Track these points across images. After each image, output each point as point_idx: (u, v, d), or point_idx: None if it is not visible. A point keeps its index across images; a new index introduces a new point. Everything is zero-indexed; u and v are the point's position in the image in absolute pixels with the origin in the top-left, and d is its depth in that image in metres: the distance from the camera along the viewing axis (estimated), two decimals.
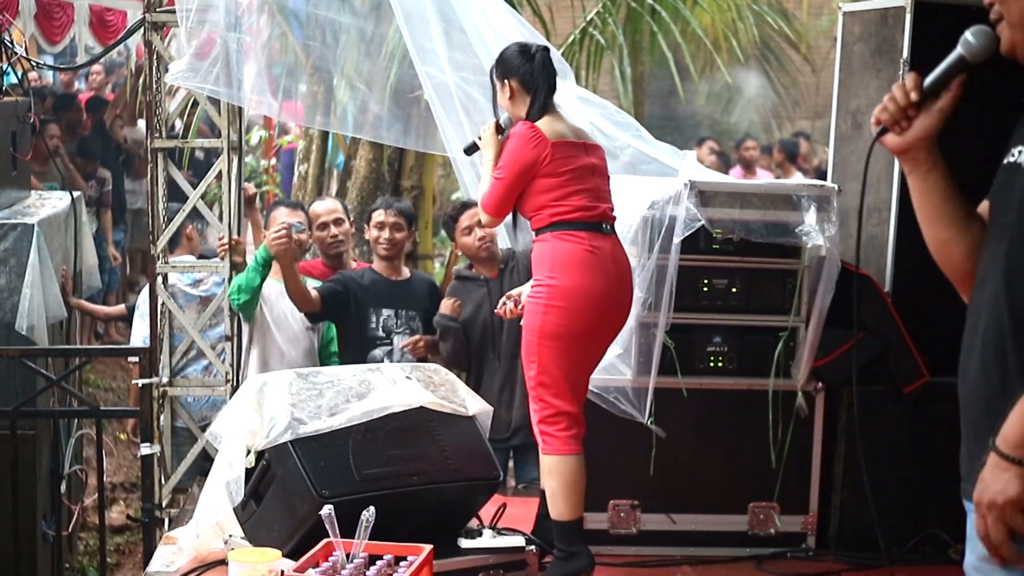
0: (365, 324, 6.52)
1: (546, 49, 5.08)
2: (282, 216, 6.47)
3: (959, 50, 2.89)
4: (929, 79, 2.91)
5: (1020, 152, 2.84)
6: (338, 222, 6.79)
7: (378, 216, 6.62)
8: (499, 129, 5.07)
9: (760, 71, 15.83)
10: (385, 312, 6.56)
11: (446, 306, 6.33)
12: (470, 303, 6.37)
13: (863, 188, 3.24)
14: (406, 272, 6.80)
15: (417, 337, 6.50)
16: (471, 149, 5.34)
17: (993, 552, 2.68)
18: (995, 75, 3.10)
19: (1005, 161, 2.90)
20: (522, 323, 4.92)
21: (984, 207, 3.01)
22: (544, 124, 4.89)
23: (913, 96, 2.89)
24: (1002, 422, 2.68)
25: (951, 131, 2.97)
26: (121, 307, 9.31)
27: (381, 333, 6.53)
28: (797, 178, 13.05)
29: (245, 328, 6.55)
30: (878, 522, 5.39)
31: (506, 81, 4.99)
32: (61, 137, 11.05)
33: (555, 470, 4.83)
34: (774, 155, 14.46)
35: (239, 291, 6.26)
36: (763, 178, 12.82)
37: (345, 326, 6.63)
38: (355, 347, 6.54)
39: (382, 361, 6.38)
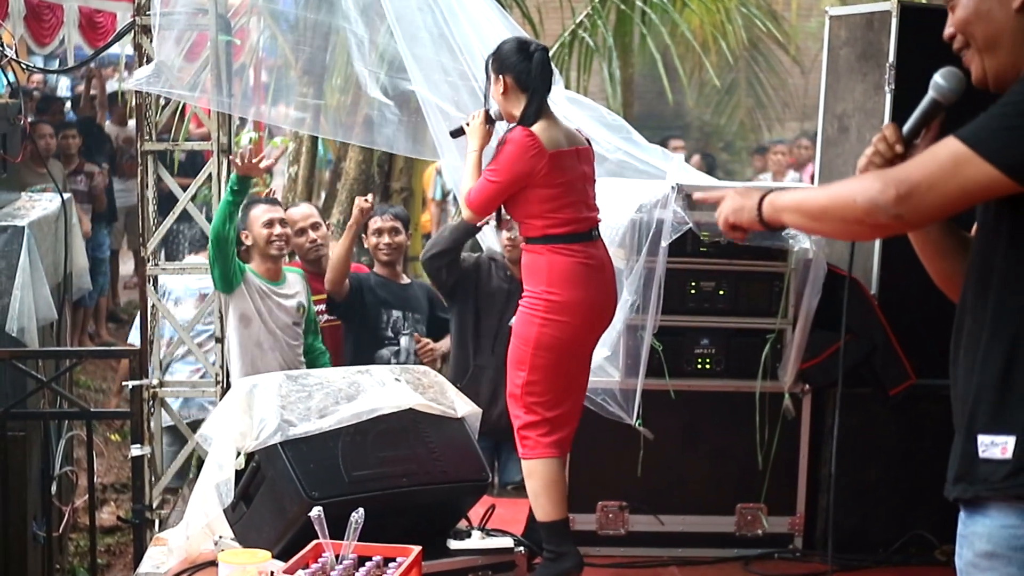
0: (375, 324, 6.63)
1: (545, 49, 5.00)
2: (262, 213, 6.45)
3: (931, 94, 2.94)
4: (907, 127, 2.95)
5: None
6: (315, 226, 6.81)
7: (375, 223, 6.71)
8: (488, 119, 5.04)
9: (749, 73, 15.87)
10: (395, 313, 6.65)
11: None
12: (491, 283, 6.38)
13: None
14: (405, 277, 6.91)
15: (427, 342, 6.66)
16: (457, 132, 5.26)
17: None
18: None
19: None
20: (513, 330, 4.95)
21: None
22: (541, 131, 4.81)
23: (899, 149, 2.92)
24: (983, 416, 2.71)
25: None
26: None
27: (390, 333, 6.64)
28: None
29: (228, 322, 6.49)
30: (864, 523, 5.47)
31: (501, 76, 4.89)
32: (53, 136, 11.13)
33: (536, 472, 4.88)
34: (799, 151, 14.24)
35: (215, 218, 6.16)
36: (790, 180, 12.72)
37: (354, 325, 6.69)
38: (364, 346, 6.60)
39: (390, 361, 6.47)
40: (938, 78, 2.92)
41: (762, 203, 2.97)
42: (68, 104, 14.98)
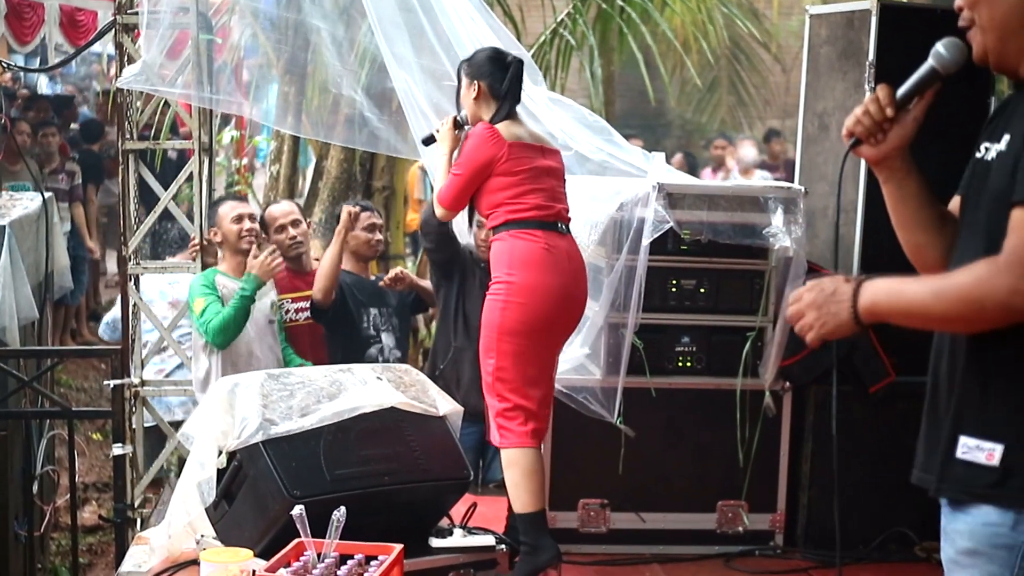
0: (358, 324, 6.62)
1: (520, 61, 5.15)
2: (231, 209, 6.44)
3: (931, 62, 2.92)
4: (902, 91, 2.93)
5: (987, 148, 2.84)
6: (296, 223, 6.76)
7: (367, 218, 6.72)
8: (456, 125, 5.17)
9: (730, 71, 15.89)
10: (372, 311, 6.65)
11: None
12: (476, 275, 6.42)
13: (838, 201, 3.26)
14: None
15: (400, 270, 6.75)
16: (428, 140, 5.41)
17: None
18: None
19: (975, 156, 2.91)
20: (482, 320, 4.97)
21: (955, 204, 3.02)
22: (502, 127, 4.98)
23: (889, 112, 2.91)
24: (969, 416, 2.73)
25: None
26: None
27: (372, 332, 6.62)
28: None
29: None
30: (844, 520, 5.48)
31: (476, 81, 5.04)
32: (31, 134, 11.09)
33: (514, 461, 4.90)
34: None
35: (220, 333, 6.18)
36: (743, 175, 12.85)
37: (339, 327, 6.66)
38: (351, 347, 6.58)
39: (377, 359, 6.47)
40: (940, 47, 2.91)
41: (856, 304, 2.83)
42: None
